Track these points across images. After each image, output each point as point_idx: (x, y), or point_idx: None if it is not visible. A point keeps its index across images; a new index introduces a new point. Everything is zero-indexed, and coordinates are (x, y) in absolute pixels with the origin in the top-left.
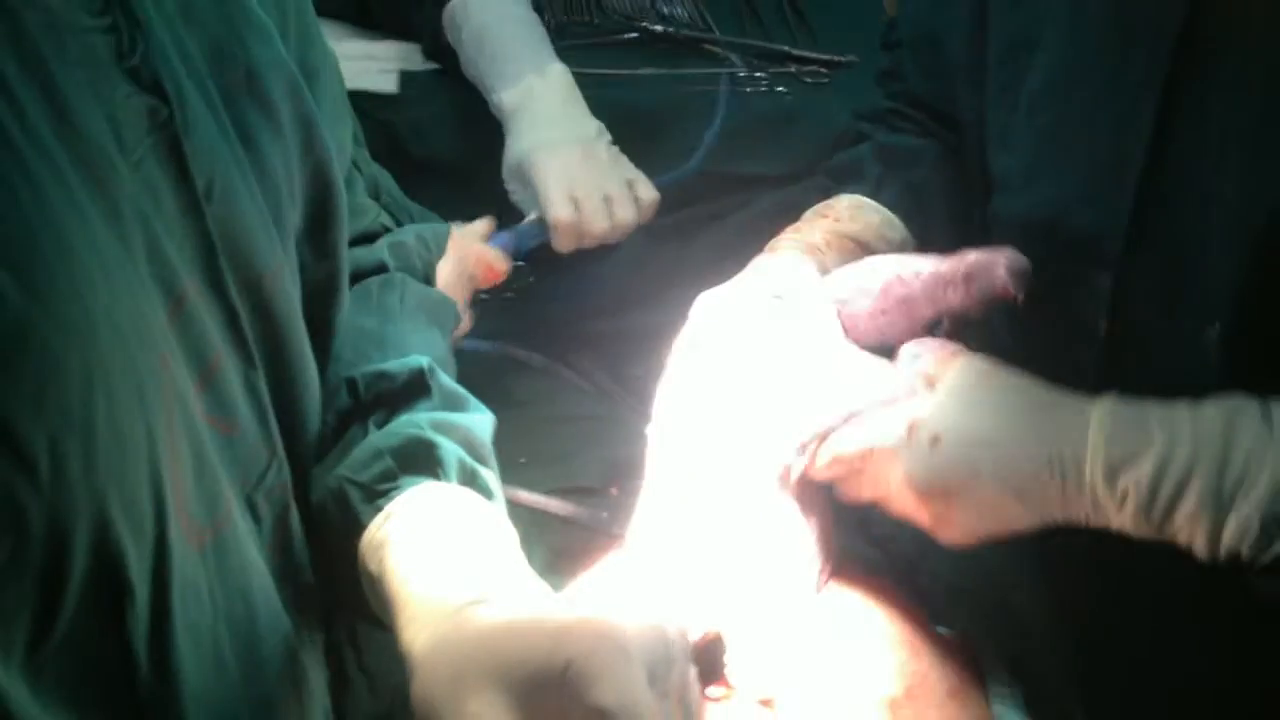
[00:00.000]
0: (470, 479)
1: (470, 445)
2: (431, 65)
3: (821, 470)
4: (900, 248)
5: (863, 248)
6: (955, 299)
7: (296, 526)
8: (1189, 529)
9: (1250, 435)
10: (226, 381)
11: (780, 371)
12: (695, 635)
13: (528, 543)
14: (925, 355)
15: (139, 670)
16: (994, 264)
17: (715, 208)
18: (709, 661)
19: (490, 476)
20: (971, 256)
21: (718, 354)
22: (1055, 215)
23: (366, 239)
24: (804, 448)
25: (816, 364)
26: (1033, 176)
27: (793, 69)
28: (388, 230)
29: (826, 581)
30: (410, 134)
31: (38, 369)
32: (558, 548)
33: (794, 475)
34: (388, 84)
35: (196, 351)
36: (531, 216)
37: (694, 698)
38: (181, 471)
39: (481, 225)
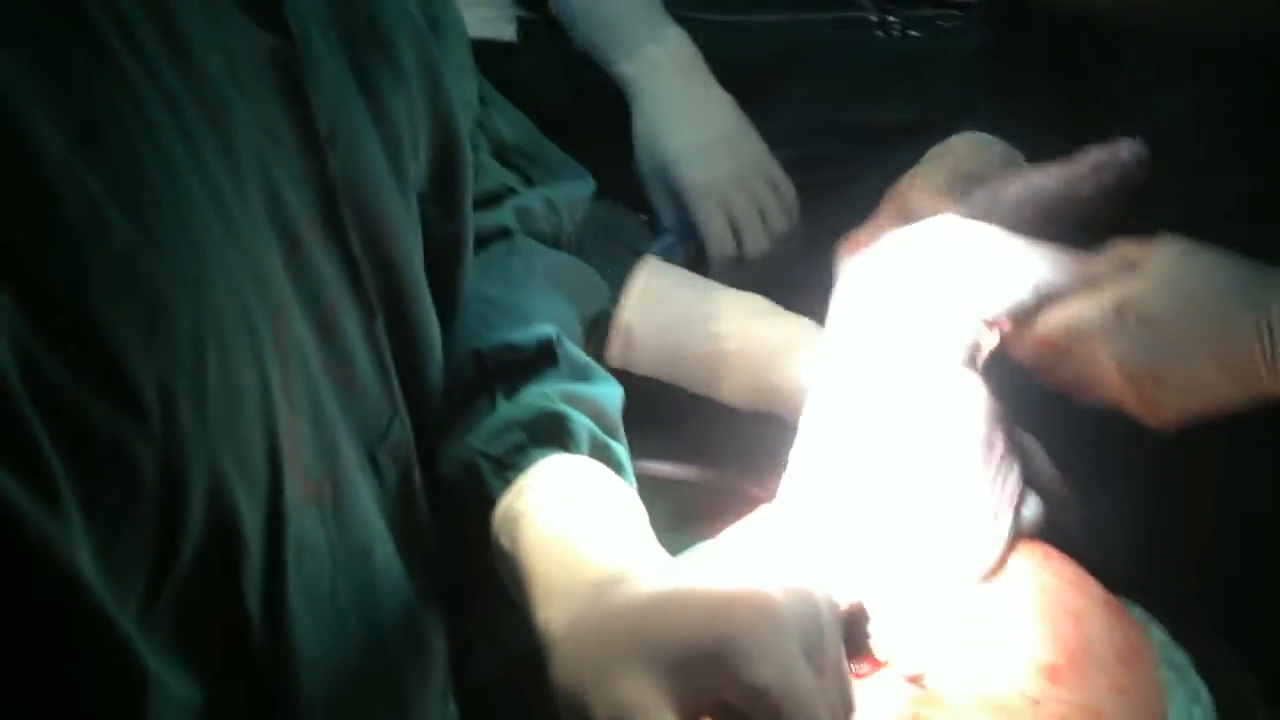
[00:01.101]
0: (602, 452)
1: (600, 417)
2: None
3: (1025, 351)
4: None
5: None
6: (1089, 189)
7: (419, 487)
8: None
9: None
10: (346, 332)
11: (957, 257)
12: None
13: (650, 502)
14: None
15: (252, 628)
16: (1117, 151)
17: (833, 172)
18: (852, 634)
19: (621, 450)
20: (1093, 151)
21: (889, 264)
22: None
23: (490, 201)
24: (994, 324)
25: (995, 248)
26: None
27: (928, 13)
28: (512, 192)
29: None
30: (533, 85)
31: (147, 308)
32: (683, 507)
33: (985, 352)
34: (506, 32)
35: (314, 299)
36: (666, 239)
37: (848, 674)
38: (298, 424)
39: None
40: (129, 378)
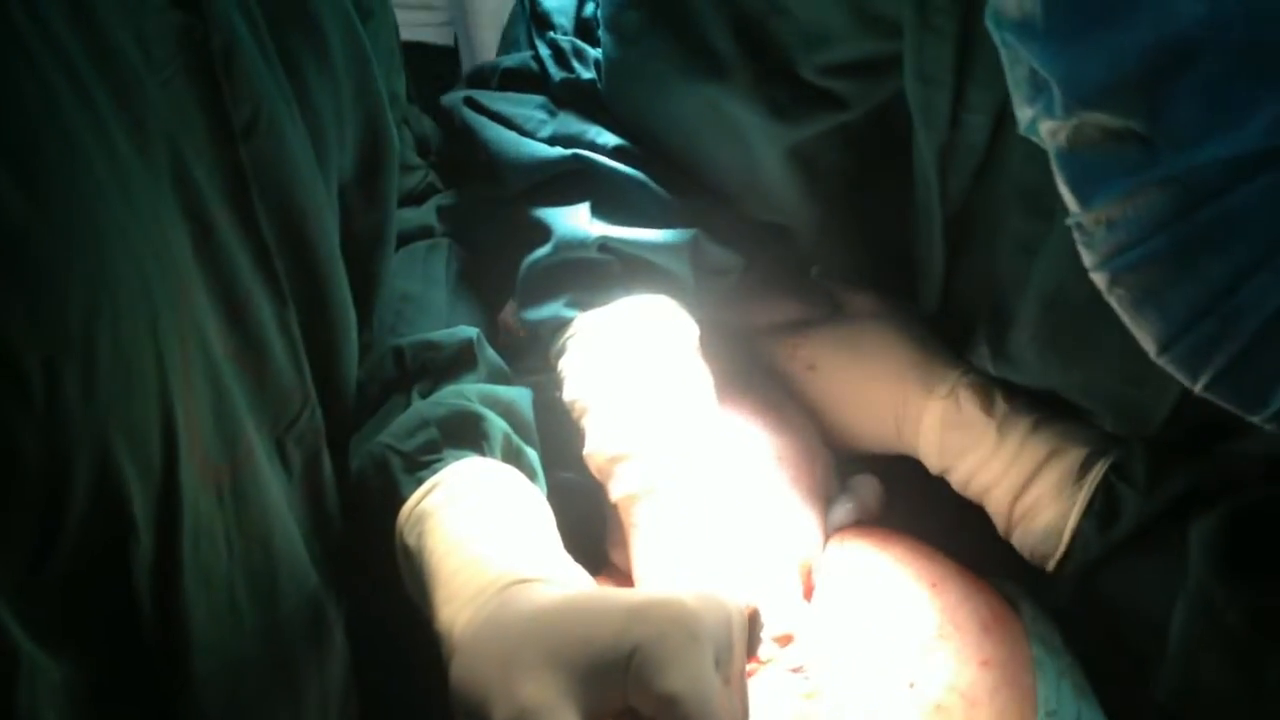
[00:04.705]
0: (515, 456)
1: (516, 421)
2: None
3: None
4: None
5: None
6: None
7: (329, 476)
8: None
9: (1052, 480)
10: (257, 319)
11: None
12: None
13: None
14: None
15: (142, 613)
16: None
17: None
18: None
19: (534, 455)
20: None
21: None
22: None
23: (414, 199)
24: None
25: None
26: None
27: None
28: (435, 190)
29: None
30: None
31: (36, 281)
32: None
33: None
34: (443, 37)
35: (223, 284)
36: None
37: (746, 680)
38: (197, 407)
39: None
40: (13, 351)
